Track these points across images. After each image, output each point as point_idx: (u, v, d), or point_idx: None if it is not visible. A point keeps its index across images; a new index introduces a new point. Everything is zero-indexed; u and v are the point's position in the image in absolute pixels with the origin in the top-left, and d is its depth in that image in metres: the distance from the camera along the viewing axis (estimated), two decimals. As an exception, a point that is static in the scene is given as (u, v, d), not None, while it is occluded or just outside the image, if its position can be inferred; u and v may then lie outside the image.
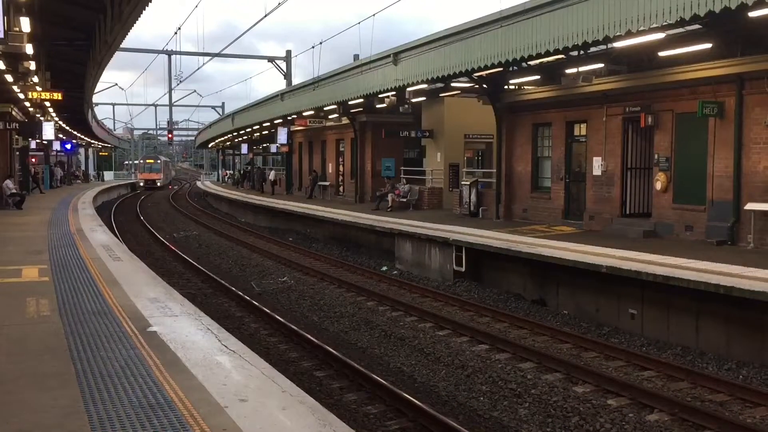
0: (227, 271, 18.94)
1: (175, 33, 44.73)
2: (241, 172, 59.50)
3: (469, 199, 23.03)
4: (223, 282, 16.20)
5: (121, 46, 19.56)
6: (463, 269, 16.32)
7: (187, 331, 7.31)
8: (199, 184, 71.85)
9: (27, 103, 28.45)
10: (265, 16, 24.57)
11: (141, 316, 7.94)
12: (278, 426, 4.77)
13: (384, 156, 30.39)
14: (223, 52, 44.49)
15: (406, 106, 25.09)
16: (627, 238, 16.21)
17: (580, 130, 19.26)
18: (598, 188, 18.36)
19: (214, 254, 22.09)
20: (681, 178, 16.12)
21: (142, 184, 64.71)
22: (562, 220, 19.49)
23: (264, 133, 45.54)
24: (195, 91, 72.95)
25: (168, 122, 65.03)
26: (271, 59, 44.37)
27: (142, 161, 70.18)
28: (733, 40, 14.06)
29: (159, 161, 69.26)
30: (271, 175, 45.77)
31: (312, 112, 30.79)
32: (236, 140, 57.03)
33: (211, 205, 47.44)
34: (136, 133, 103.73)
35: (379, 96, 23.39)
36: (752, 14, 11.26)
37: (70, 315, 8.00)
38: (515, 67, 18.64)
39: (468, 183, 23.42)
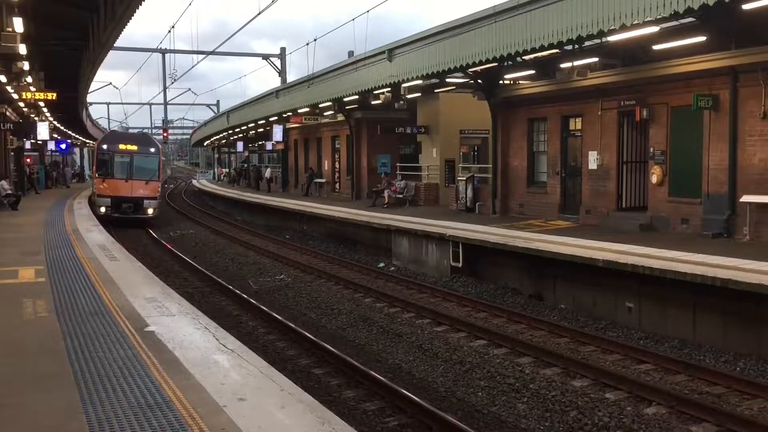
0: (224, 269, 18.92)
1: (169, 31, 44.78)
2: (237, 170, 59.34)
3: (466, 194, 23.05)
4: (220, 280, 16.18)
5: (115, 45, 19.50)
6: (460, 265, 16.33)
7: (184, 331, 7.30)
8: (194, 182, 71.60)
9: (21, 104, 28.40)
10: (259, 13, 24.44)
11: (138, 316, 7.93)
12: (277, 424, 4.77)
13: (380, 152, 30.43)
14: (217, 50, 44.48)
15: (401, 102, 25.07)
16: (623, 231, 16.23)
17: (576, 124, 19.27)
18: (594, 182, 18.38)
19: (210, 253, 22.06)
20: (676, 172, 16.14)
21: (103, 210, 27.34)
22: (559, 214, 19.51)
23: (259, 130, 45.49)
24: (189, 89, 72.17)
25: (163, 121, 64.92)
26: (265, 57, 44.29)
27: (104, 148, 29.06)
28: (727, 32, 14.07)
29: (153, 150, 29.49)
30: (267, 173, 45.74)
31: (307, 110, 30.76)
32: (232, 138, 56.97)
33: (207, 204, 47.36)
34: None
35: (374, 92, 23.37)
36: (746, 7, 11.30)
37: (67, 316, 7.98)
38: (510, 62, 18.64)
39: (464, 179, 23.44)
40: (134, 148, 28.75)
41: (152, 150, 29.42)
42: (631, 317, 12.20)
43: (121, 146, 28.70)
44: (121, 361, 6.17)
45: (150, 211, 28.37)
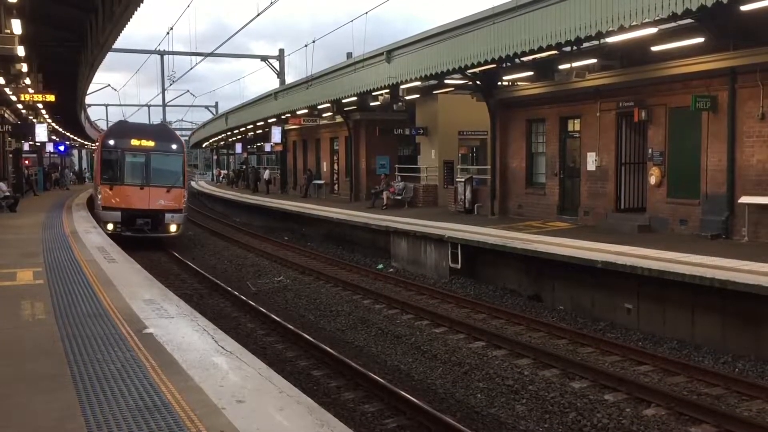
0: (223, 271, 18.91)
1: (168, 33, 44.62)
2: (236, 171, 59.32)
3: (464, 195, 23.06)
4: (218, 282, 16.17)
5: (114, 46, 19.49)
6: (459, 266, 16.33)
7: (183, 333, 7.28)
8: (193, 183, 71.41)
9: (19, 105, 28.37)
10: (258, 15, 24.44)
11: (137, 318, 7.90)
12: (276, 426, 4.76)
13: (378, 154, 30.44)
14: (216, 52, 44.43)
15: (400, 103, 25.11)
16: (622, 232, 16.23)
17: (574, 125, 19.28)
18: (592, 183, 18.39)
19: (209, 254, 22.05)
20: (675, 173, 16.15)
21: (111, 227, 20.36)
22: (557, 215, 19.52)
23: (258, 132, 45.49)
24: (188, 91, 72.47)
25: (161, 122, 64.93)
26: (264, 58, 44.29)
27: (111, 144, 21.52)
28: (726, 33, 14.07)
29: (175, 147, 22.16)
30: (266, 174, 45.73)
31: (306, 111, 30.78)
32: (230, 140, 57.00)
33: (205, 205, 47.35)
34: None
35: (373, 94, 23.39)
36: (744, 8, 11.31)
37: (65, 318, 7.96)
38: (508, 64, 18.64)
39: (463, 180, 23.45)
40: (151, 144, 21.64)
41: (174, 147, 22.15)
42: (629, 318, 12.19)
43: (134, 142, 21.52)
44: (120, 363, 6.15)
45: (173, 227, 21.43)
